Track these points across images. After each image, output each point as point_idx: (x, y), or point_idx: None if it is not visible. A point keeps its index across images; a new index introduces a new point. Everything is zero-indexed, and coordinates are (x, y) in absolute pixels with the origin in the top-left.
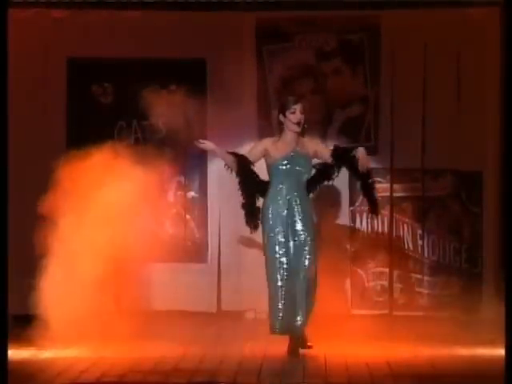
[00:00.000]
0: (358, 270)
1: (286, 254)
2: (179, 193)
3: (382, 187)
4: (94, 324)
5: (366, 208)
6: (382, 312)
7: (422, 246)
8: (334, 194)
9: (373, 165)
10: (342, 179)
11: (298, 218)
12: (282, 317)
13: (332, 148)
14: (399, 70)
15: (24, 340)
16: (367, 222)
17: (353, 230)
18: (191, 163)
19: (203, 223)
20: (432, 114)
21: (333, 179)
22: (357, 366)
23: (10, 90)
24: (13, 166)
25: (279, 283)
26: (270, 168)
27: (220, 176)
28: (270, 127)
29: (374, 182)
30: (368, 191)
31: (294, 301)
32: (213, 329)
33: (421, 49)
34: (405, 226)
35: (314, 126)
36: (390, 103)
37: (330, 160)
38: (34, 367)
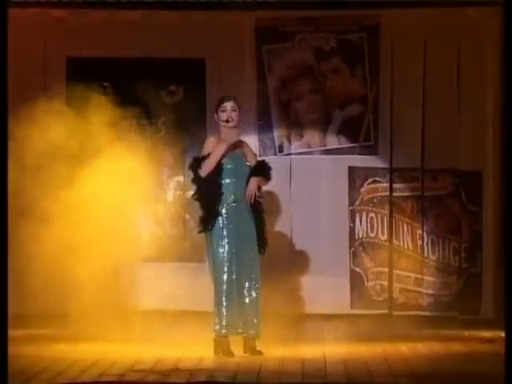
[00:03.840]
0: (358, 270)
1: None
2: (178, 192)
3: (382, 187)
4: (92, 323)
5: (366, 208)
6: (381, 312)
7: (422, 246)
8: (334, 193)
9: (372, 164)
10: (341, 179)
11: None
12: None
13: (257, 160)
14: (399, 70)
15: (24, 339)
16: (367, 222)
17: (352, 230)
18: None
19: None
20: (432, 113)
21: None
22: (356, 366)
23: (9, 90)
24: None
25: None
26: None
27: None
28: (269, 127)
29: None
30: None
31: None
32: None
33: (420, 48)
34: (404, 225)
35: (314, 125)
36: (390, 103)
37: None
38: (34, 367)
